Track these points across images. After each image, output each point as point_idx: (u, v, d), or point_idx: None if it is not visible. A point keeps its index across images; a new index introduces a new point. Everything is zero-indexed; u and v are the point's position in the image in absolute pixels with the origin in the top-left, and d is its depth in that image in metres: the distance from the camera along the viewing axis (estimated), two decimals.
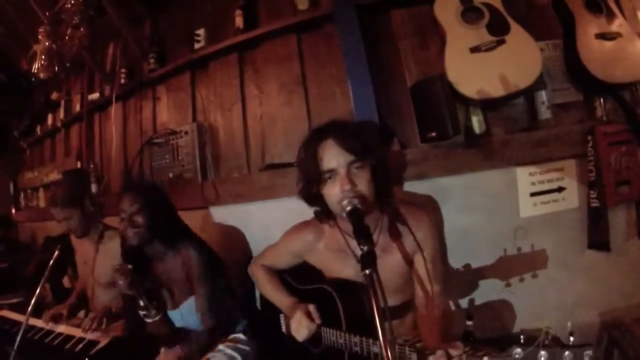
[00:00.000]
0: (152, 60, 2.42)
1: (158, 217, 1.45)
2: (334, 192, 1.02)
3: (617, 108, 1.74)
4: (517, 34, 1.53)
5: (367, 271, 0.78)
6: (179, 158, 2.21)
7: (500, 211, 1.66)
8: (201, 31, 2.23)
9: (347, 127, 1.09)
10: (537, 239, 1.64)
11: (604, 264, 1.64)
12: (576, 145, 1.66)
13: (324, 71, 1.95)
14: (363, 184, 1.02)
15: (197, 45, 2.23)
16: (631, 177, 1.66)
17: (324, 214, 1.13)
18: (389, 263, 1.14)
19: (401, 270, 1.16)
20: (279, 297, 1.29)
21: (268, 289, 1.35)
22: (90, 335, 1.59)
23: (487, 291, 1.67)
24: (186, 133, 2.19)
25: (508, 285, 1.64)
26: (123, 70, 2.64)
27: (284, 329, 1.37)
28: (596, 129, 1.62)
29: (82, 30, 2.34)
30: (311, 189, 1.09)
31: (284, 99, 2.03)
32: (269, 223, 1.83)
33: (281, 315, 1.36)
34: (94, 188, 2.70)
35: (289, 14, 2.00)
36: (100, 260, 1.86)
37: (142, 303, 1.24)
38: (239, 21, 2.08)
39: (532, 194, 1.66)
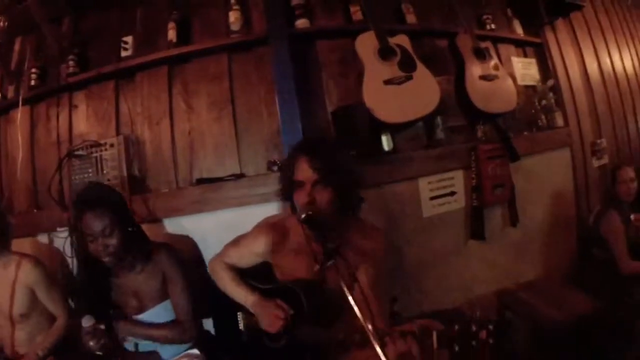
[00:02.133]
0: (71, 63, 2.18)
1: (130, 231, 1.41)
2: (298, 200, 1.19)
3: (492, 131, 2.23)
4: (421, 72, 1.88)
5: (330, 262, 0.95)
6: (104, 172, 2.06)
7: (407, 212, 1.99)
8: (129, 39, 2.13)
9: (320, 149, 1.22)
10: (437, 232, 2.03)
11: (487, 248, 2.12)
12: (463, 159, 2.11)
13: (253, 91, 2.04)
14: (323, 201, 1.17)
15: (124, 53, 2.12)
16: (504, 182, 2.15)
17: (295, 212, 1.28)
18: (340, 266, 1.30)
19: (346, 275, 1.31)
20: (244, 294, 1.33)
21: (231, 286, 1.38)
22: None
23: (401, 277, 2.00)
24: (112, 145, 2.06)
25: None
26: (34, 70, 2.28)
27: (241, 326, 1.43)
28: (478, 147, 2.07)
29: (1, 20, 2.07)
30: (286, 191, 1.27)
31: (214, 115, 2.06)
32: (203, 236, 1.89)
33: (239, 313, 1.42)
34: None
35: (221, 33, 2.06)
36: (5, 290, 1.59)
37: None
38: (172, 34, 2.05)
39: (431, 198, 2.04)
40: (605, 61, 3.15)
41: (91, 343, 1.18)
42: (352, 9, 2.07)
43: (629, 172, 2.19)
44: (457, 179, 2.09)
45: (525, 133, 2.43)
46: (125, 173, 2.05)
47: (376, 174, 1.87)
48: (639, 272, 1.98)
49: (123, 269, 1.46)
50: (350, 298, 0.86)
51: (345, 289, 0.88)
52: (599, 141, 2.81)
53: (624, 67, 3.33)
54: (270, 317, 1.21)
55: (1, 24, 2.13)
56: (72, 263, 1.90)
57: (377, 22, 1.90)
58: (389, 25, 2.03)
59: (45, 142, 2.29)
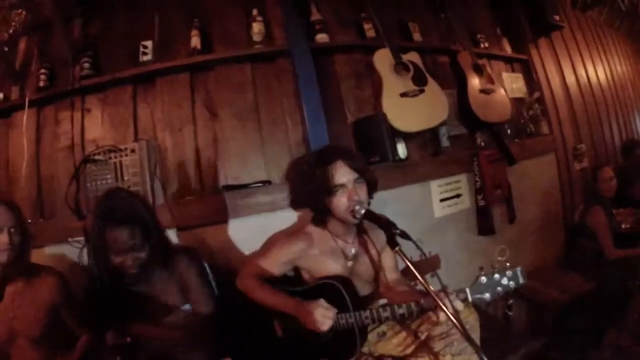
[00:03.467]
0: (86, 65, 2.11)
1: (158, 243, 1.37)
2: (343, 202, 1.31)
3: (489, 138, 2.46)
4: (432, 86, 2.07)
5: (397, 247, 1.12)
6: (125, 178, 2.02)
7: (421, 214, 2.17)
8: (149, 43, 2.11)
9: (351, 152, 1.38)
10: (447, 231, 2.23)
11: (490, 244, 2.31)
12: (466, 164, 2.33)
13: (276, 102, 2.12)
14: (362, 195, 1.33)
15: (143, 58, 2.09)
16: (502, 183, 2.38)
17: (321, 221, 1.42)
18: (363, 260, 1.48)
19: (371, 267, 1.50)
20: (282, 301, 1.36)
21: (268, 296, 1.39)
22: None
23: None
24: (133, 151, 2.02)
25: None
26: (43, 71, 2.18)
27: (279, 332, 1.44)
28: (480, 153, 2.28)
29: (21, 12, 2.01)
30: (321, 199, 1.36)
31: (237, 124, 2.11)
32: (232, 243, 1.92)
33: (275, 321, 1.44)
34: None
35: (243, 43, 2.12)
36: (26, 303, 1.43)
37: None
38: (195, 41, 2.07)
39: (441, 200, 2.23)
40: (582, 74, 3.50)
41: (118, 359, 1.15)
42: (366, 26, 2.25)
43: (609, 172, 2.47)
44: (462, 182, 2.30)
45: (516, 140, 2.68)
46: (148, 179, 2.00)
47: (394, 177, 2.05)
48: (622, 258, 2.24)
49: (140, 278, 1.39)
50: (417, 274, 1.04)
51: (412, 268, 1.05)
52: (579, 146, 3.12)
53: (598, 79, 3.72)
54: (319, 318, 1.25)
55: (21, 16, 2.06)
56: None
57: (391, 40, 2.08)
58: (400, 43, 2.21)
59: (53, 147, 2.19)
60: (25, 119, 2.15)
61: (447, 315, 0.99)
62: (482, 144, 2.42)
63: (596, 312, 2.10)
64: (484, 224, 2.28)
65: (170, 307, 1.43)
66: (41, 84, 2.18)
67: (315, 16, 2.16)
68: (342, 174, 1.32)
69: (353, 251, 1.47)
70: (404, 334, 1.37)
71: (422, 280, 1.03)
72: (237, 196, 1.93)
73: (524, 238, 2.57)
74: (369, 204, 1.38)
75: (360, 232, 1.50)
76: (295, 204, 1.92)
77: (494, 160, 2.33)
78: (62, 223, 1.96)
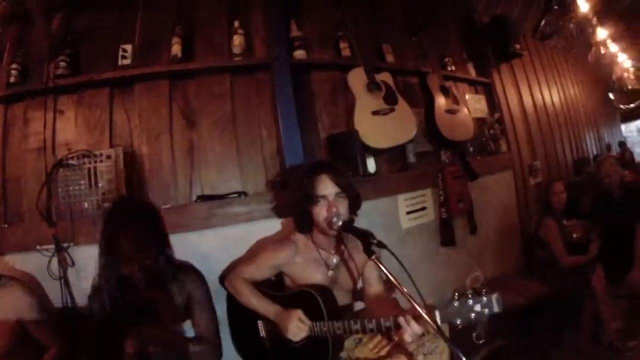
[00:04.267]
0: (62, 64, 2.04)
1: (166, 252, 1.41)
2: (322, 213, 1.39)
3: (453, 156, 2.64)
4: (403, 105, 2.22)
5: (374, 256, 1.19)
6: (99, 185, 1.96)
7: (389, 225, 2.29)
8: (129, 47, 2.09)
9: (338, 169, 1.45)
10: (413, 241, 2.36)
11: (453, 253, 2.49)
12: (431, 179, 2.48)
13: (253, 113, 2.19)
14: (342, 209, 1.40)
15: (123, 62, 2.08)
16: (464, 197, 2.55)
17: (306, 228, 1.49)
18: (344, 271, 1.55)
19: (349, 277, 1.56)
20: (265, 306, 1.46)
21: (252, 299, 1.49)
22: None
23: None
24: (108, 157, 1.96)
25: None
26: (14, 66, 2.06)
27: (262, 333, 1.57)
28: (444, 169, 2.45)
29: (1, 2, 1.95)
30: (304, 208, 1.45)
31: (216, 134, 2.14)
32: (208, 251, 1.91)
33: (259, 322, 1.56)
34: None
35: (224, 54, 2.17)
36: None
37: None
38: (176, 49, 2.09)
39: (407, 212, 2.36)
40: (538, 97, 3.80)
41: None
42: (342, 45, 2.37)
43: (560, 186, 2.68)
44: (427, 196, 2.45)
45: (478, 157, 2.89)
46: (123, 187, 1.97)
47: (365, 190, 2.12)
48: (575, 265, 2.43)
49: (148, 286, 1.41)
50: (395, 282, 1.12)
51: (392, 279, 1.13)
52: (534, 163, 3.40)
53: (552, 101, 4.06)
54: (293, 329, 1.34)
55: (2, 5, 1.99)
56: (62, 285, 1.79)
57: (366, 60, 2.21)
58: (374, 63, 2.34)
59: (21, 148, 2.09)
60: None
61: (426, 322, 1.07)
62: (447, 160, 2.58)
63: (554, 315, 2.29)
64: (446, 236, 2.45)
65: (168, 321, 1.45)
66: (12, 79, 2.07)
67: (295, 33, 2.25)
68: (325, 187, 1.41)
69: (335, 261, 1.55)
70: (378, 337, 1.45)
71: (400, 287, 1.11)
72: (213, 206, 1.95)
73: (485, 247, 2.76)
74: (352, 219, 1.47)
75: (342, 243, 1.57)
76: (280, 212, 1.97)
77: (458, 177, 2.51)
78: (30, 229, 1.88)
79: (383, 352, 1.42)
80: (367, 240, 1.22)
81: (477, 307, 1.04)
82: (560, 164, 3.93)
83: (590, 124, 5.27)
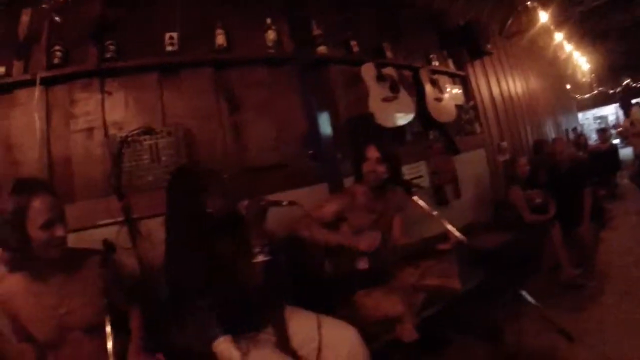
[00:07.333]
0: (111, 47, 2.15)
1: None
2: (366, 169, 1.94)
3: (439, 135, 3.28)
4: (404, 94, 2.82)
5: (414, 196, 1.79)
6: (162, 159, 2.13)
7: None
8: (175, 35, 2.26)
9: (383, 142, 1.98)
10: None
11: (444, 212, 3.09)
12: (424, 154, 3.09)
13: (285, 99, 2.62)
14: (380, 168, 1.90)
15: (169, 48, 2.25)
16: (449, 169, 3.19)
17: (359, 178, 2.02)
18: (383, 216, 2.04)
19: (387, 222, 2.05)
20: (342, 237, 1.85)
21: (326, 234, 1.85)
22: None
23: None
24: (169, 134, 2.15)
25: None
26: (58, 47, 2.09)
27: (328, 269, 1.86)
28: (433, 146, 3.08)
29: None
30: (359, 165, 1.99)
31: (257, 116, 2.48)
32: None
33: (325, 262, 1.87)
34: None
35: (258, 47, 2.53)
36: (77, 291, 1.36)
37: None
38: (220, 39, 2.33)
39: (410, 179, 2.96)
40: (505, 87, 4.54)
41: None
42: (352, 43, 2.93)
43: (524, 160, 3.32)
44: (422, 167, 3.08)
45: (457, 137, 3.53)
46: (183, 161, 2.15)
47: None
48: (536, 221, 3.06)
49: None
50: (429, 210, 1.73)
51: (428, 209, 1.74)
52: (501, 143, 4.10)
53: (516, 91, 4.81)
54: (369, 239, 1.80)
55: None
56: (135, 253, 1.89)
57: (375, 57, 2.79)
58: (377, 59, 2.93)
59: (68, 129, 2.10)
60: (36, 97, 2.00)
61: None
62: (435, 139, 3.22)
63: (517, 258, 2.95)
64: (440, 198, 3.10)
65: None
66: (55, 60, 2.08)
67: (317, 31, 2.74)
68: (371, 152, 1.95)
69: (378, 208, 2.00)
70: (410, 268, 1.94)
71: (434, 213, 1.71)
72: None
73: (464, 209, 3.43)
74: (399, 174, 2.03)
75: (383, 195, 2.02)
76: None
77: (443, 151, 3.15)
78: (87, 206, 1.97)
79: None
80: (409, 185, 1.82)
81: None
82: (523, 144, 4.67)
83: (549, 111, 6.12)
